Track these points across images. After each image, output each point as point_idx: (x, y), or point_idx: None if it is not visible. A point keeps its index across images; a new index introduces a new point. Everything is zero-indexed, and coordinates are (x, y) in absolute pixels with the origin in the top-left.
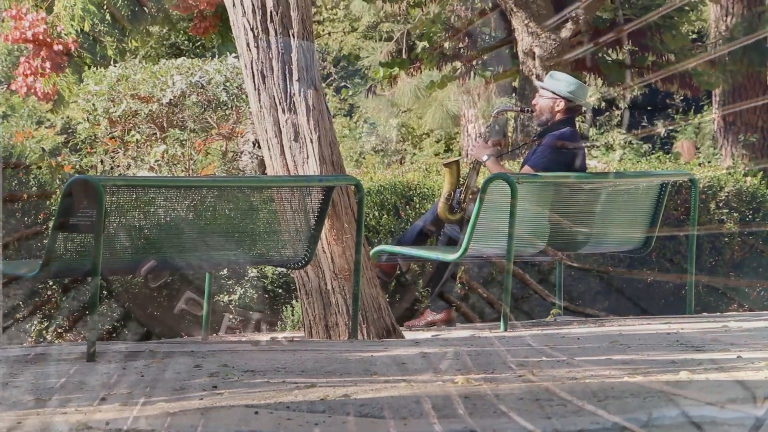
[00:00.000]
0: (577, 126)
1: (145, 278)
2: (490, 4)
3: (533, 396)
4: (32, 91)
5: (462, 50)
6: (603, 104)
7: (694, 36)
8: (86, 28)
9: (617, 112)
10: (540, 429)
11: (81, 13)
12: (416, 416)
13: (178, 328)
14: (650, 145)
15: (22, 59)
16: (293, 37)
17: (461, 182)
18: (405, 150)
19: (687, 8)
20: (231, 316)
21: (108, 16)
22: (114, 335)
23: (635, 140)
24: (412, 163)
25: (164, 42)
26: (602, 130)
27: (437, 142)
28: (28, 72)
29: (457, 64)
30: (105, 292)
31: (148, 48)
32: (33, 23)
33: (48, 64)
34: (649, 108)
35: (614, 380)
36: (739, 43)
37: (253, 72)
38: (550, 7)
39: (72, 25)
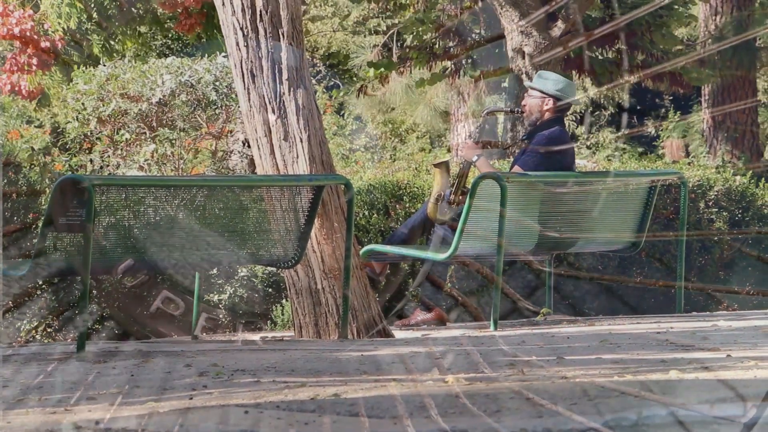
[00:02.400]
0: (569, 126)
1: (121, 276)
2: (480, 3)
3: (524, 395)
4: (17, 88)
5: (452, 49)
6: (592, 106)
7: (684, 32)
8: (72, 26)
9: (606, 112)
10: (531, 428)
11: (67, 10)
12: (407, 415)
13: (168, 328)
14: (645, 148)
15: (8, 55)
16: (283, 36)
17: (451, 183)
18: (393, 147)
19: (677, 7)
20: (207, 316)
21: (95, 14)
22: (104, 335)
23: (629, 144)
24: (396, 160)
25: (152, 42)
26: (593, 130)
27: (424, 135)
28: (14, 69)
29: (447, 63)
30: (94, 292)
31: (136, 48)
32: (20, 20)
33: (35, 61)
34: (638, 108)
35: (604, 379)
36: (728, 43)
37: (242, 71)
38: (540, 6)
39: (59, 23)
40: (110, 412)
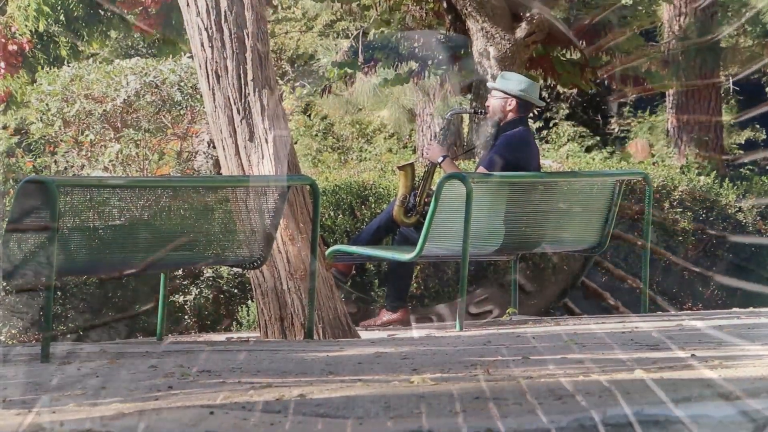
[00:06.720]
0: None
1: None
2: (446, 5)
3: (489, 395)
4: None
5: (417, 50)
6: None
7: (650, 27)
8: (40, 28)
9: (564, 105)
10: (496, 428)
11: (35, 13)
12: (372, 416)
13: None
14: (599, 138)
15: None
16: (248, 36)
17: (416, 185)
18: (360, 148)
19: (641, 8)
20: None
21: (63, 17)
22: (69, 336)
23: (585, 132)
24: (365, 160)
25: (119, 44)
26: (551, 124)
27: (391, 136)
28: None
29: (413, 63)
30: (59, 293)
31: (104, 50)
32: None
33: (2, 65)
34: (603, 107)
35: (569, 379)
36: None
37: (207, 72)
38: (505, 7)
39: (26, 25)
40: (75, 414)
